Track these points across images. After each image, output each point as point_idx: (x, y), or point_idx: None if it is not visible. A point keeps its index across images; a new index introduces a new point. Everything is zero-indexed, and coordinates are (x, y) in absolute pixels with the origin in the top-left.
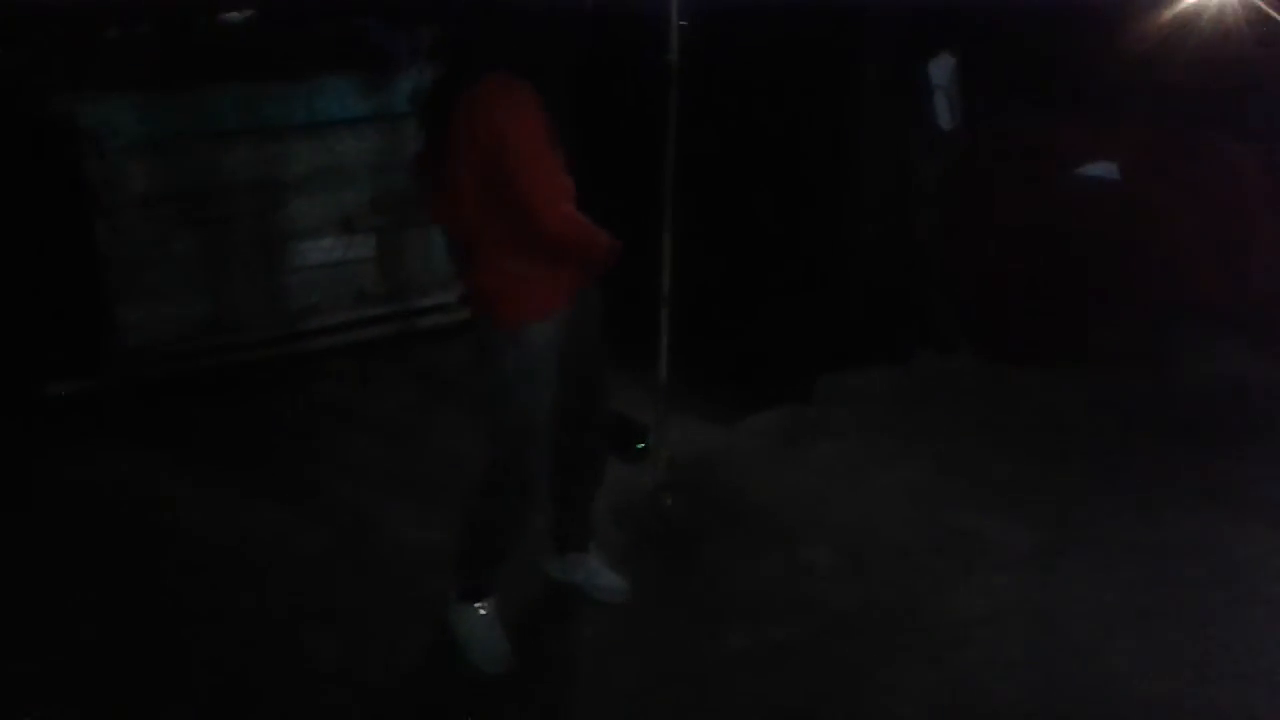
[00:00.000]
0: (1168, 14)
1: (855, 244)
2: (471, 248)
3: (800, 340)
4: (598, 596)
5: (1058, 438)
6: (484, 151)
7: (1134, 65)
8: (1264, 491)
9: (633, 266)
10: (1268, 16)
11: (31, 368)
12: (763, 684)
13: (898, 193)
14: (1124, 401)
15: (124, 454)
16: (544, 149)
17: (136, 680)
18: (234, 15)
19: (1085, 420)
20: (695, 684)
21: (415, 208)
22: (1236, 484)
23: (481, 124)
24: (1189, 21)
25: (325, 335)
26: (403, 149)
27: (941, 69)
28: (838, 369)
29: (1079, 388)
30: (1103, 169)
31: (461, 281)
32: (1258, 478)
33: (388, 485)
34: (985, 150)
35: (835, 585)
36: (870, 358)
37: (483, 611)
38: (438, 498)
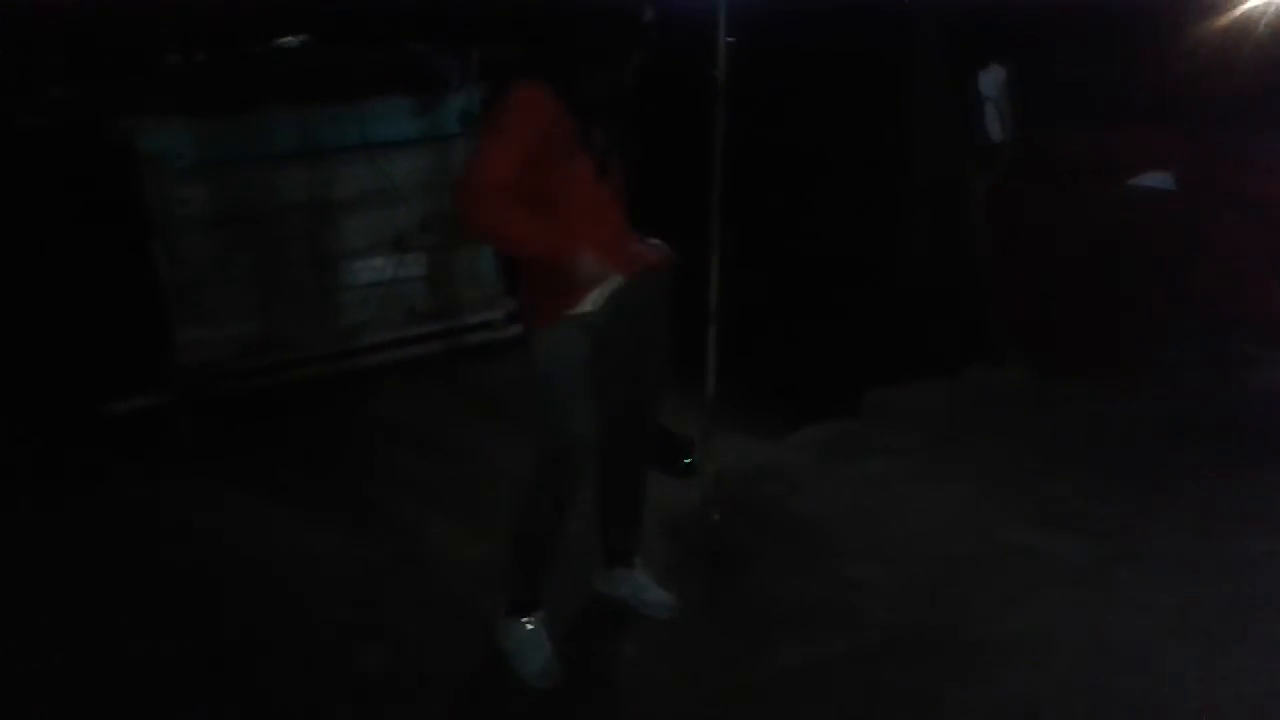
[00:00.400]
0: (1223, 20)
1: (904, 257)
2: None
3: (848, 354)
4: (645, 611)
5: (1108, 451)
6: None
7: (1188, 73)
8: None
9: (680, 282)
10: None
11: (92, 387)
12: (811, 701)
13: (947, 205)
14: (1175, 415)
15: (179, 470)
16: (512, 138)
17: (182, 694)
18: (288, 40)
19: (1136, 434)
20: (742, 700)
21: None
22: None
23: None
24: (1245, 27)
25: (376, 353)
26: (453, 169)
27: (991, 80)
28: (886, 383)
29: (1129, 401)
30: (1156, 179)
31: None
32: None
33: (437, 501)
34: (1035, 161)
35: (884, 601)
36: (919, 371)
37: (530, 626)
38: (486, 513)
